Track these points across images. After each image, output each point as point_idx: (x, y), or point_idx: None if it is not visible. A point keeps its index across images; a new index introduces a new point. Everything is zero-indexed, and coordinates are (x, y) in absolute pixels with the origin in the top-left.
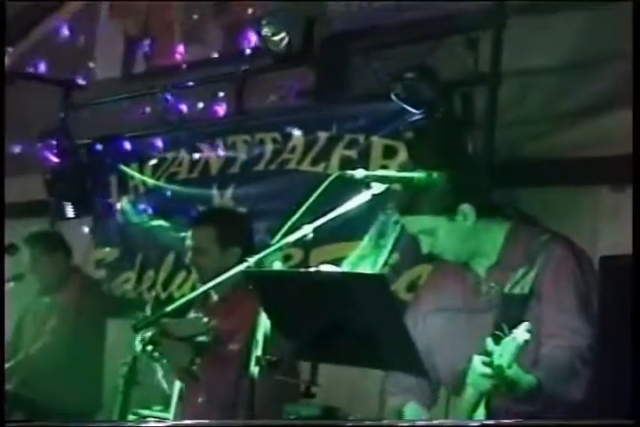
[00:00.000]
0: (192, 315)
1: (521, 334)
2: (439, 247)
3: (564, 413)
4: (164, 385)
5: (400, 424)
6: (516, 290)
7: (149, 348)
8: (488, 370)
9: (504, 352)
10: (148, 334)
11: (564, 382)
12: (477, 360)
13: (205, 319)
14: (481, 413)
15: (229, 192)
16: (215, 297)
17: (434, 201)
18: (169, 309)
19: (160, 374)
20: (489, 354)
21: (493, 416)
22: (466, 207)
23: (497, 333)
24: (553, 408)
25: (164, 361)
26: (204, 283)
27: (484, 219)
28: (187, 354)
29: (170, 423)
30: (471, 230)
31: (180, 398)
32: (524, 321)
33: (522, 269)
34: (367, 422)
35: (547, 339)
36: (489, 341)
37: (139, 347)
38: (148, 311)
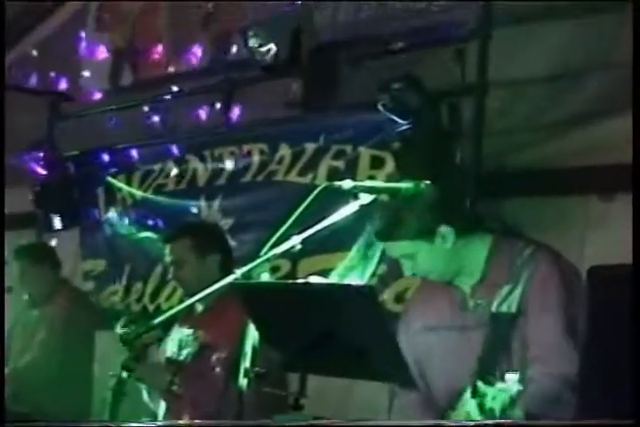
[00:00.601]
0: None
1: (512, 384)
2: (422, 270)
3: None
4: (150, 404)
5: (400, 424)
6: (504, 308)
7: (125, 375)
8: (480, 415)
9: (497, 397)
10: (122, 360)
11: (550, 411)
12: (472, 404)
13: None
14: None
15: (217, 204)
16: (200, 308)
17: (411, 225)
18: (156, 321)
19: (145, 393)
20: (481, 395)
21: None
22: (444, 229)
23: (488, 377)
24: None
25: (144, 385)
26: (191, 295)
27: (466, 236)
28: (164, 375)
29: (166, 423)
30: (452, 251)
31: (168, 412)
32: (513, 340)
33: (507, 286)
34: (366, 423)
35: (534, 362)
36: (480, 383)
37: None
38: (136, 323)
